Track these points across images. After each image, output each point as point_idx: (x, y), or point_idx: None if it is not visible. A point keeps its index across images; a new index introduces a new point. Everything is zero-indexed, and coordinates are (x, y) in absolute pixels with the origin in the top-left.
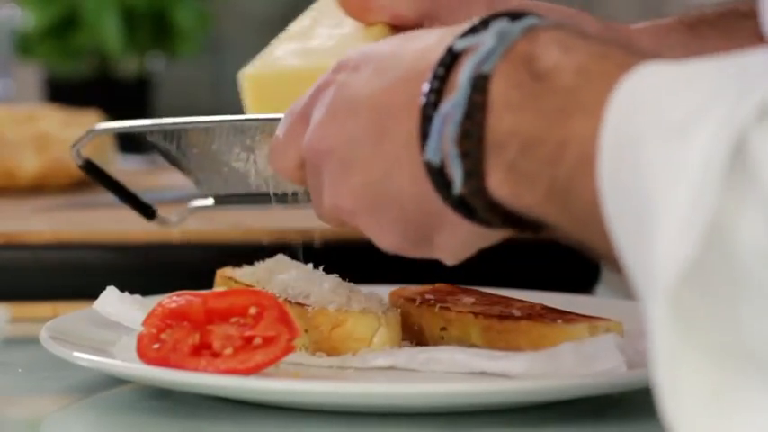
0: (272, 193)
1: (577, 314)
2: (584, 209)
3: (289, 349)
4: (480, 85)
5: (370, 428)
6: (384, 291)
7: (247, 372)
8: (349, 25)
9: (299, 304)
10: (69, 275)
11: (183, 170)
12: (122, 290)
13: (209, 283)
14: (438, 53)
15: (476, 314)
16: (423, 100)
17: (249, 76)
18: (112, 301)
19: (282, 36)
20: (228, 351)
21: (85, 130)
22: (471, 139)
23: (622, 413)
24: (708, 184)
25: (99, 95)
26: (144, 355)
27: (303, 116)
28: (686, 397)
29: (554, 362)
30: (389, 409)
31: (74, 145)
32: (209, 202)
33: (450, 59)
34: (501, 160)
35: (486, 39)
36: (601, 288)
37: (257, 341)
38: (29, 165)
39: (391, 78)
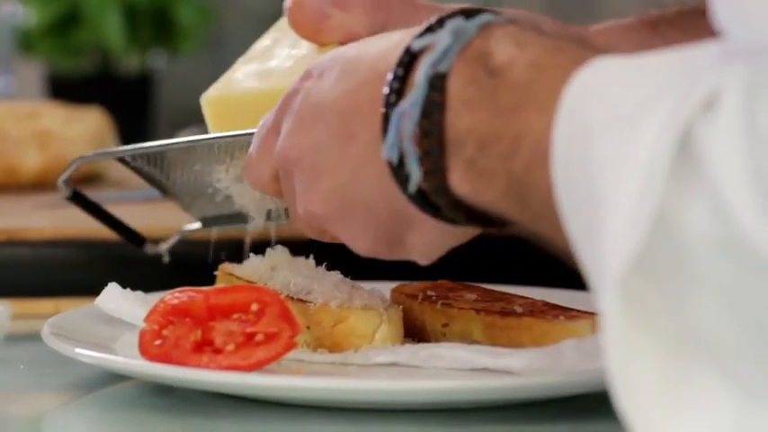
0: (252, 212)
1: (579, 311)
2: (541, 202)
3: (290, 346)
4: (437, 83)
5: (372, 425)
6: (386, 288)
7: (249, 368)
8: (306, 46)
9: (300, 301)
10: (71, 272)
11: (170, 195)
12: (124, 286)
13: (210, 280)
14: (396, 55)
15: (478, 311)
16: (383, 100)
17: (208, 99)
18: (114, 297)
19: (243, 58)
20: (230, 347)
21: (70, 163)
22: (431, 137)
23: None
24: (654, 176)
25: (100, 92)
26: (146, 351)
27: (274, 128)
28: (639, 387)
29: (556, 358)
30: (391, 405)
31: (60, 177)
32: (197, 225)
33: (409, 59)
34: (460, 158)
35: (442, 37)
36: None
37: (259, 338)
38: (30, 161)
39: (354, 81)
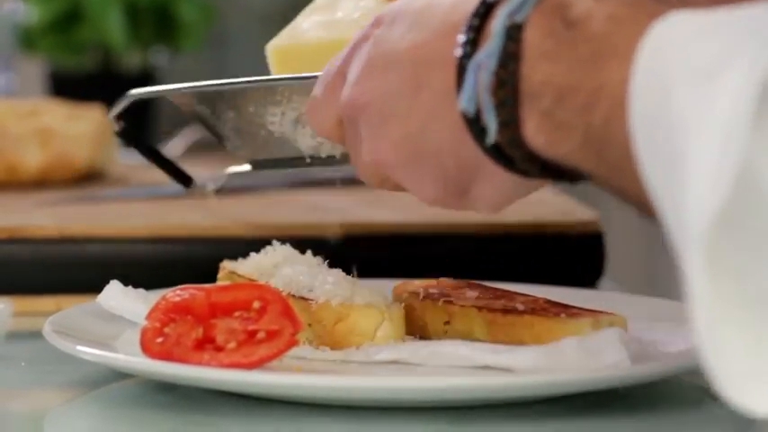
0: (308, 155)
1: (581, 308)
2: (619, 155)
3: (292, 343)
4: (514, 34)
5: (374, 422)
6: (387, 285)
7: (251, 366)
8: None
9: (302, 298)
10: (73, 269)
11: (219, 135)
12: (126, 284)
13: (212, 277)
14: (472, 4)
15: (479, 308)
16: (458, 51)
17: (275, 49)
18: (116, 295)
19: (308, 9)
20: (232, 345)
21: (120, 99)
22: (506, 88)
23: (626, 407)
24: (737, 129)
25: (102, 89)
26: (147, 349)
27: (340, 73)
28: (727, 350)
29: (557, 356)
30: (393, 403)
31: (111, 112)
32: (246, 167)
33: (485, 10)
34: (536, 109)
35: None
36: (604, 282)
37: (261, 335)
38: (32, 159)
39: (427, 31)
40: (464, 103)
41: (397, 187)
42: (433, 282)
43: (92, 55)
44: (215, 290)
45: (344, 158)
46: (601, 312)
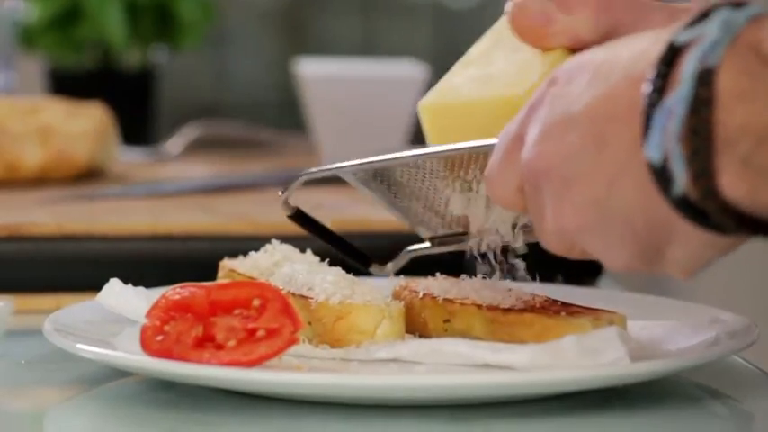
0: (490, 228)
1: (581, 306)
2: None
3: (292, 341)
4: (706, 78)
5: (374, 420)
6: (388, 283)
7: (250, 364)
8: (527, 50)
9: (302, 296)
10: (72, 267)
11: (398, 211)
12: (126, 282)
13: (212, 275)
14: (656, 53)
15: (479, 306)
16: (645, 100)
17: (428, 107)
18: (116, 293)
19: (460, 63)
20: (232, 343)
21: (293, 180)
22: (699, 136)
23: (625, 405)
24: None
25: (102, 87)
26: (147, 347)
27: (518, 137)
28: None
29: (557, 354)
30: (393, 401)
31: (282, 193)
32: (425, 245)
33: (672, 55)
34: (733, 157)
35: (710, 30)
36: (604, 280)
37: (260, 333)
38: (32, 157)
39: (608, 85)
40: (651, 151)
41: (586, 254)
42: (433, 279)
43: (91, 53)
44: (215, 288)
45: (529, 228)
46: (600, 311)
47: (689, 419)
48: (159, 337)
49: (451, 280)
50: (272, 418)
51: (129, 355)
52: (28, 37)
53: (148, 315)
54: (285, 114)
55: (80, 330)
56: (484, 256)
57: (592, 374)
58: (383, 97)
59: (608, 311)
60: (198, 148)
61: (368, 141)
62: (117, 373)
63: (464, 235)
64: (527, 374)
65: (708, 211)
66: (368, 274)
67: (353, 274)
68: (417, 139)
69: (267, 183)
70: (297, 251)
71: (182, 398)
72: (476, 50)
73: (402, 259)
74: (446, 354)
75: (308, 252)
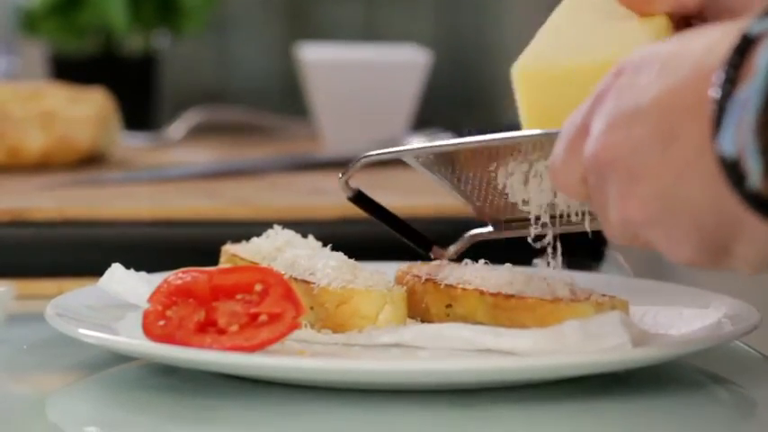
0: (553, 213)
1: (583, 291)
2: None
3: (294, 326)
4: None
5: (376, 405)
6: (390, 268)
7: (252, 349)
8: (622, 15)
9: (304, 281)
10: (75, 252)
11: (461, 195)
12: (128, 267)
13: (214, 260)
14: (727, 45)
15: (481, 292)
16: (716, 91)
17: (523, 73)
18: (118, 278)
19: (548, 26)
20: (234, 328)
21: (354, 161)
22: None
23: (628, 391)
24: None
25: (104, 73)
26: (149, 331)
27: (583, 127)
28: None
29: (559, 339)
30: (395, 386)
31: (342, 175)
32: (488, 229)
33: (745, 46)
34: None
35: None
36: (606, 266)
37: (263, 318)
38: (34, 142)
39: (678, 77)
40: (724, 145)
41: (649, 245)
42: (435, 265)
43: (94, 38)
44: (217, 273)
45: (592, 216)
46: (603, 296)
47: (691, 405)
48: (161, 322)
49: (453, 264)
50: (274, 403)
51: (131, 339)
52: (30, 22)
53: (150, 300)
54: (288, 99)
55: (82, 315)
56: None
57: (594, 360)
58: (386, 82)
59: (611, 297)
60: (200, 133)
61: (370, 126)
62: (119, 357)
63: (528, 221)
64: (529, 360)
65: None
66: (428, 258)
67: (355, 259)
68: (420, 124)
69: (269, 168)
70: (299, 236)
71: (183, 383)
72: (559, 16)
73: (464, 243)
74: (448, 339)
75: (310, 237)
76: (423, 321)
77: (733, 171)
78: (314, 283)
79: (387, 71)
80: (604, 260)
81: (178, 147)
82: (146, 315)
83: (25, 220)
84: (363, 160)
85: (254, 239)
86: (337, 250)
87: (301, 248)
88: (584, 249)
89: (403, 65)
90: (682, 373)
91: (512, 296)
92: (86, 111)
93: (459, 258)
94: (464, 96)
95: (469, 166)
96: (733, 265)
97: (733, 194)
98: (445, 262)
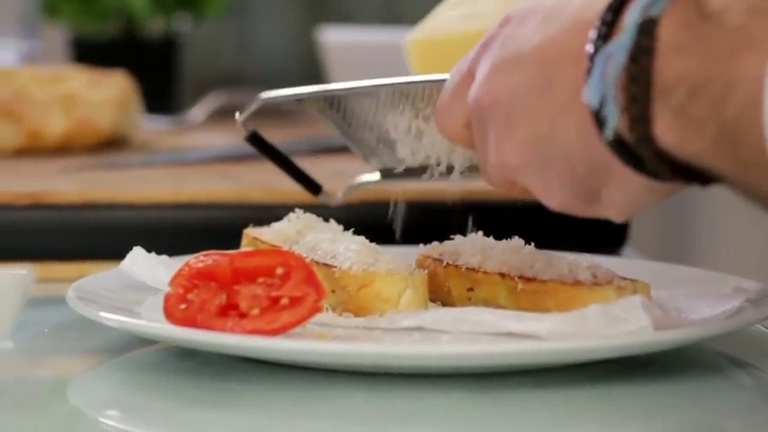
0: (437, 163)
1: (605, 275)
2: (754, 152)
3: (315, 310)
4: (648, 28)
5: (397, 389)
6: (411, 252)
7: (274, 332)
8: None
9: (326, 265)
10: (96, 235)
11: (351, 142)
12: (149, 250)
13: (235, 244)
14: (603, 2)
15: (503, 275)
16: (590, 46)
17: (414, 41)
18: (139, 261)
19: (446, 2)
20: (255, 311)
21: (252, 101)
22: (637, 83)
23: (649, 374)
24: None
25: (125, 56)
26: (171, 315)
27: (469, 73)
28: None
29: (581, 323)
30: (416, 370)
31: (240, 116)
32: (376, 176)
33: (618, 4)
34: (668, 105)
35: None
36: (628, 249)
37: (284, 301)
38: (55, 125)
39: (557, 28)
40: (589, 94)
41: (526, 193)
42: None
43: (115, 21)
44: (238, 256)
45: (476, 168)
46: (624, 280)
47: (712, 388)
48: (182, 306)
49: (477, 244)
50: (295, 387)
51: (153, 323)
52: (51, 5)
53: (172, 283)
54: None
55: (103, 298)
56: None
57: (615, 343)
58: (407, 65)
59: (632, 280)
60: (221, 116)
61: None
62: (140, 341)
63: (413, 169)
64: (551, 343)
65: (643, 156)
66: (321, 203)
67: (376, 243)
68: None
69: (290, 151)
70: (320, 220)
71: (204, 366)
72: None
73: (351, 189)
74: (470, 322)
75: (332, 221)
76: (444, 305)
77: (599, 120)
78: (335, 267)
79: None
80: (626, 244)
81: (199, 130)
82: (167, 298)
83: (46, 203)
84: (260, 101)
85: (275, 224)
86: (359, 234)
87: (323, 232)
88: (605, 234)
89: None
90: (702, 357)
91: (533, 280)
92: (107, 94)
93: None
94: None
95: (360, 111)
96: (602, 211)
97: (602, 145)
98: (464, 243)
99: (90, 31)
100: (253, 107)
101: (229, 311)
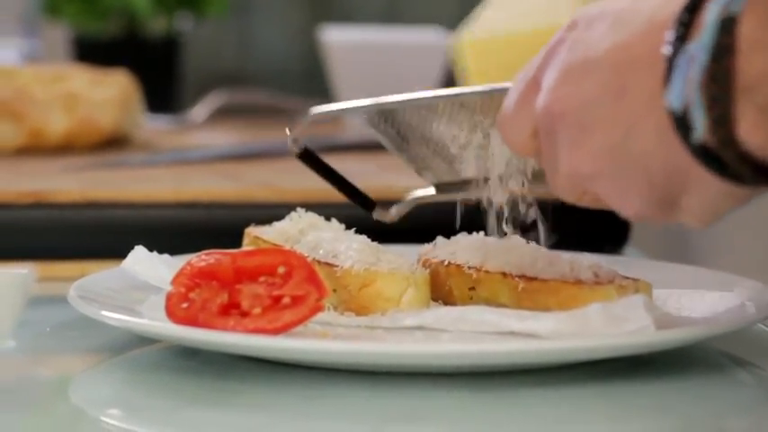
0: (495, 177)
1: (606, 274)
2: None
3: (317, 309)
4: (728, 26)
5: (399, 388)
6: (413, 251)
7: (276, 331)
8: None
9: (327, 264)
10: (97, 235)
11: (404, 155)
12: (151, 249)
13: (236, 243)
14: (679, 2)
15: (504, 274)
16: (667, 48)
17: (468, 43)
18: (141, 260)
19: (491, 1)
20: (257, 310)
21: (302, 117)
22: (719, 83)
23: (650, 374)
24: None
25: (127, 55)
26: (172, 314)
27: (534, 81)
28: None
29: (582, 322)
30: (418, 368)
31: (291, 132)
32: (431, 191)
33: (695, 3)
34: (752, 104)
35: None
36: (630, 248)
37: (286, 300)
38: (57, 124)
39: (630, 31)
40: (672, 99)
41: (598, 201)
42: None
43: (116, 20)
44: (240, 255)
45: (537, 177)
46: (626, 279)
47: (714, 388)
48: (184, 305)
49: (477, 244)
50: (297, 386)
51: (154, 322)
52: (53, 5)
53: (173, 282)
54: (310, 82)
55: (105, 297)
56: (496, 214)
57: (617, 343)
58: (408, 64)
59: (634, 280)
60: (222, 115)
61: None
62: (142, 340)
63: (471, 183)
64: (553, 342)
65: (725, 159)
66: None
67: (378, 242)
68: None
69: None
70: (322, 219)
71: (206, 365)
72: None
73: (406, 205)
74: (471, 321)
75: (334, 220)
76: (446, 304)
77: (681, 124)
78: (337, 266)
79: (409, 53)
80: (627, 243)
81: (200, 129)
82: (169, 297)
83: (48, 202)
84: (312, 116)
85: (277, 223)
86: (360, 233)
87: (324, 231)
88: (607, 233)
89: (426, 47)
90: (704, 356)
91: (535, 279)
92: (109, 93)
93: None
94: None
95: (415, 123)
96: (681, 218)
97: (681, 148)
98: (465, 242)
99: (91, 30)
100: (304, 122)
101: (231, 310)
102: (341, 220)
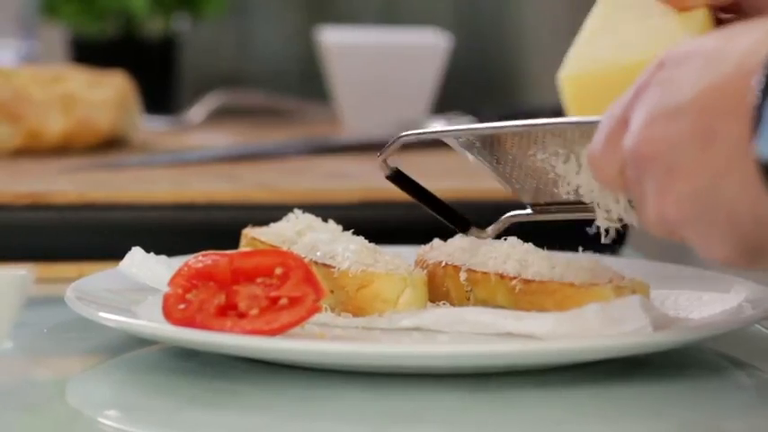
0: (594, 202)
1: (603, 274)
2: None
3: (314, 310)
4: None
5: (396, 389)
6: (410, 252)
7: (273, 332)
8: (659, 14)
9: (324, 265)
10: (95, 236)
11: (499, 177)
12: (148, 250)
13: (234, 244)
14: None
15: (501, 275)
16: (755, 96)
17: (568, 77)
18: (138, 261)
19: (587, 28)
20: (254, 312)
21: (391, 140)
22: None
23: (648, 374)
24: None
25: (124, 56)
26: (170, 315)
27: (623, 119)
28: None
29: (579, 323)
30: (415, 370)
31: (380, 155)
32: (527, 211)
33: None
34: None
35: None
36: (627, 249)
37: (283, 302)
38: (55, 125)
39: (720, 75)
40: (761, 148)
41: (687, 241)
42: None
43: (114, 21)
44: (237, 256)
45: (631, 206)
46: (623, 279)
47: (711, 389)
48: (181, 306)
49: (475, 244)
50: (294, 387)
51: (152, 323)
52: (51, 6)
53: (171, 283)
54: (308, 83)
55: (102, 298)
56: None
57: (614, 343)
58: (406, 66)
59: (631, 280)
60: (220, 116)
61: (390, 110)
62: (139, 341)
63: (567, 204)
64: (550, 343)
65: None
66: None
67: (375, 243)
68: (440, 107)
69: (289, 151)
70: (319, 220)
71: (204, 366)
72: (596, 19)
73: (502, 224)
74: (469, 322)
75: (331, 221)
76: (443, 305)
77: None
78: (334, 267)
79: (407, 55)
80: (625, 244)
81: (198, 130)
82: (166, 298)
83: (45, 203)
84: (402, 139)
85: (275, 224)
86: (358, 234)
87: (322, 232)
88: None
89: (423, 48)
90: (702, 357)
91: (532, 280)
92: (107, 94)
93: (497, 237)
94: (484, 80)
95: (509, 149)
96: None
97: None
98: (462, 243)
99: (89, 31)
100: (394, 146)
101: (228, 312)
102: (338, 222)
